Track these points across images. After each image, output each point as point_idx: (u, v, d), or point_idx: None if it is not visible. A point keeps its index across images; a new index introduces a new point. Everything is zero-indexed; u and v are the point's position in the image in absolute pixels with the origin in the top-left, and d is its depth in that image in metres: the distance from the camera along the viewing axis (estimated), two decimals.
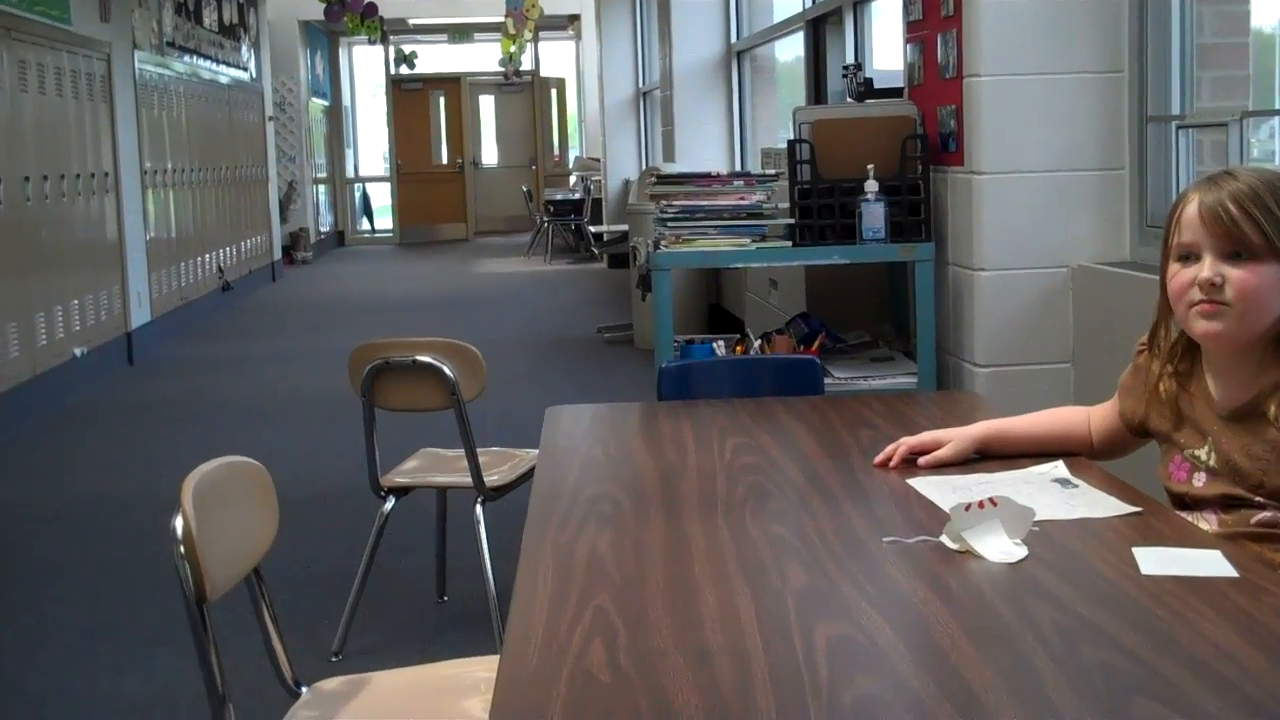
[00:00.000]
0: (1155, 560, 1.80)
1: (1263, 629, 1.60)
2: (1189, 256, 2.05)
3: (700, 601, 1.71)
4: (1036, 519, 1.93)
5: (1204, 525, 2.09)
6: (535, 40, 18.20)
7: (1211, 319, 2.02)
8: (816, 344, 4.33)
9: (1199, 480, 2.11)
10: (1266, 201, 1.99)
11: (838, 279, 4.74)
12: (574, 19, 18.10)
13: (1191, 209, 2.03)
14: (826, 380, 3.76)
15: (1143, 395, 2.25)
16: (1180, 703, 1.39)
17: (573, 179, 18.26)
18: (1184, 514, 2.14)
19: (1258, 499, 2.02)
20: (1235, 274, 1.99)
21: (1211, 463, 2.08)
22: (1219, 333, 2.04)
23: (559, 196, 16.77)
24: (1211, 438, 2.09)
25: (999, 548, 1.84)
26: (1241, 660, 1.50)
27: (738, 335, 4.62)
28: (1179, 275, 2.06)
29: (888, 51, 5.86)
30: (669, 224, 4.19)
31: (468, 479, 3.62)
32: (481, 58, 19.99)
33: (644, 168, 12.68)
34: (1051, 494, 2.14)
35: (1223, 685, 1.44)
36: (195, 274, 10.94)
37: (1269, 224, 1.98)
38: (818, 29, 6.76)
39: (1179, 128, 3.79)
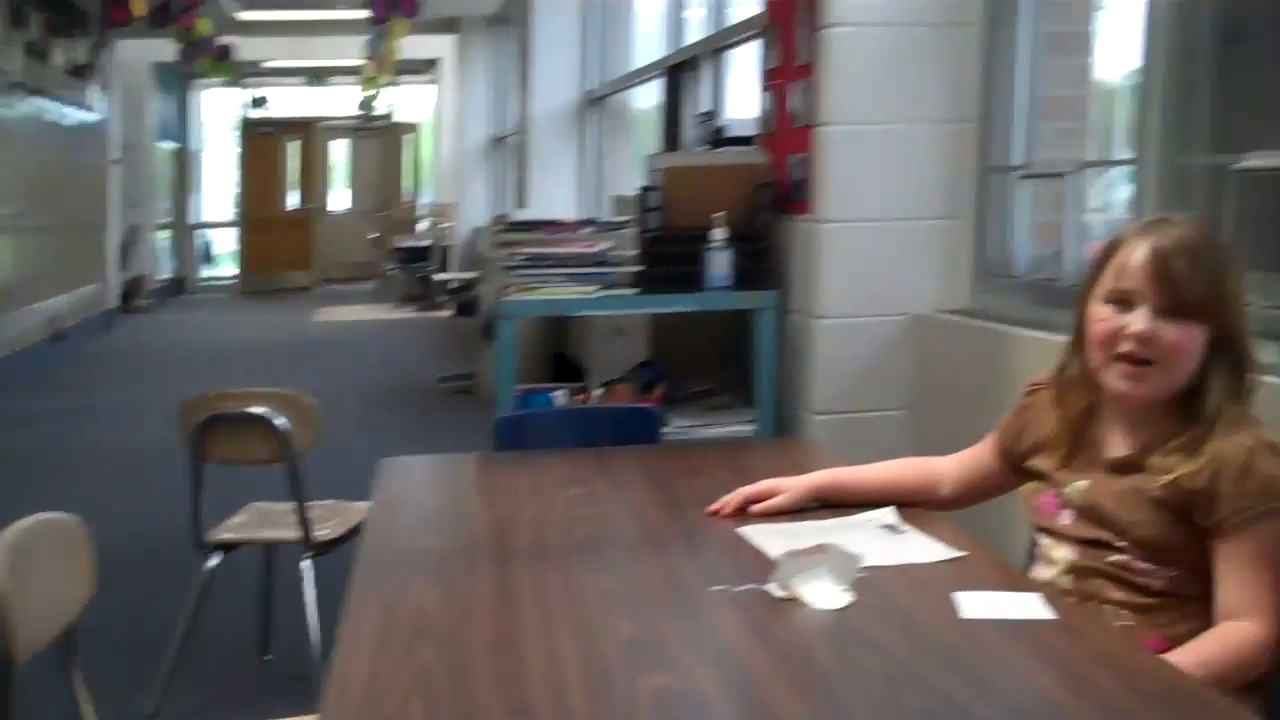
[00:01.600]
0: (976, 604, 1.83)
1: (1077, 672, 1.63)
2: (1122, 303, 2.03)
3: (526, 654, 1.69)
4: (863, 565, 1.94)
5: (1061, 552, 2.11)
6: (394, 84, 18.09)
7: (1134, 382, 2.02)
8: (657, 392, 4.33)
9: (1066, 517, 2.12)
10: (1207, 262, 2.00)
11: (684, 327, 4.76)
12: (433, 63, 18.05)
13: (1139, 256, 2.01)
14: (665, 429, 3.76)
15: (1031, 431, 2.26)
16: None
17: (423, 225, 18.13)
18: (1045, 539, 2.16)
19: (1120, 543, 2.04)
20: (1168, 331, 1.99)
21: (1080, 503, 2.10)
22: (1140, 395, 2.04)
23: (408, 243, 16.64)
24: (1090, 482, 2.10)
25: (825, 594, 1.85)
26: (1056, 703, 1.52)
27: (580, 384, 4.62)
28: (1109, 320, 2.04)
29: (746, 99, 5.92)
30: (515, 271, 4.18)
31: (297, 533, 3.55)
32: (339, 101, 19.81)
33: (496, 214, 12.65)
34: (879, 540, 2.16)
35: None
36: (23, 323, 10.56)
37: (1207, 286, 1.99)
38: (676, 76, 6.80)
39: (1020, 178, 3.87)
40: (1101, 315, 2.06)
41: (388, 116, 19.78)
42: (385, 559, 2.14)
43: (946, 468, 2.43)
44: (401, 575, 2.05)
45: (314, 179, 20.08)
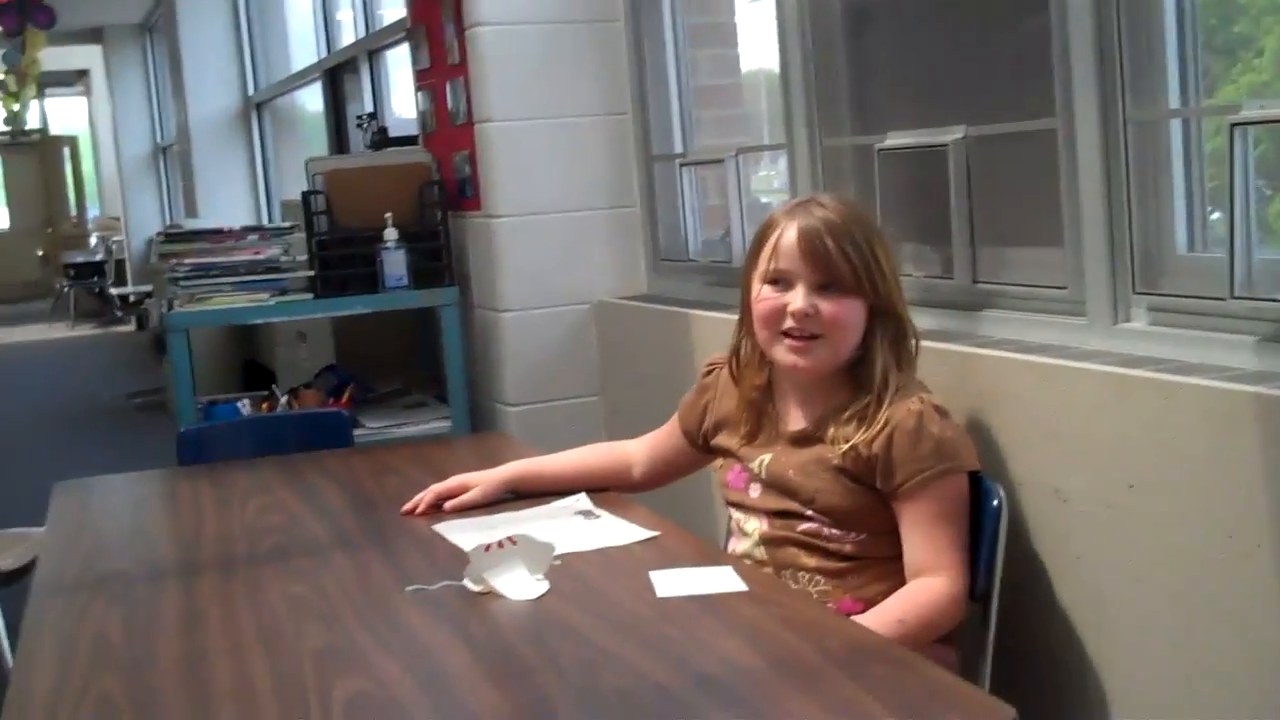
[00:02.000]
0: (670, 582, 1.86)
1: (768, 638, 1.67)
2: (780, 282, 2.12)
3: (213, 672, 1.63)
4: (558, 553, 1.95)
5: (753, 524, 2.16)
6: (41, 97, 17.18)
7: (800, 354, 2.10)
8: (347, 395, 4.26)
9: (754, 491, 2.18)
10: (856, 237, 2.09)
11: (366, 329, 4.68)
12: (83, 74, 17.24)
13: (790, 237, 2.09)
14: (358, 431, 3.70)
15: (713, 410, 2.31)
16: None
17: (93, 239, 17.39)
18: (737, 513, 2.21)
19: (808, 512, 2.10)
20: (826, 306, 2.08)
21: (766, 476, 2.16)
22: (806, 367, 2.11)
23: (80, 259, 15.95)
24: (773, 455, 2.16)
25: (519, 585, 1.84)
26: (749, 671, 1.56)
27: (266, 392, 4.49)
28: (772, 300, 2.12)
29: (409, 99, 5.87)
30: (181, 283, 4.03)
31: None
32: None
33: (167, 225, 12.22)
34: (574, 526, 2.18)
35: (731, 699, 1.48)
36: None
37: (858, 260, 2.08)
38: (336, 78, 6.69)
39: (681, 165, 3.96)
40: (763, 295, 2.15)
41: (41, 130, 18.81)
42: (62, 586, 2.04)
43: (637, 450, 2.47)
44: (80, 602, 1.95)
45: None
